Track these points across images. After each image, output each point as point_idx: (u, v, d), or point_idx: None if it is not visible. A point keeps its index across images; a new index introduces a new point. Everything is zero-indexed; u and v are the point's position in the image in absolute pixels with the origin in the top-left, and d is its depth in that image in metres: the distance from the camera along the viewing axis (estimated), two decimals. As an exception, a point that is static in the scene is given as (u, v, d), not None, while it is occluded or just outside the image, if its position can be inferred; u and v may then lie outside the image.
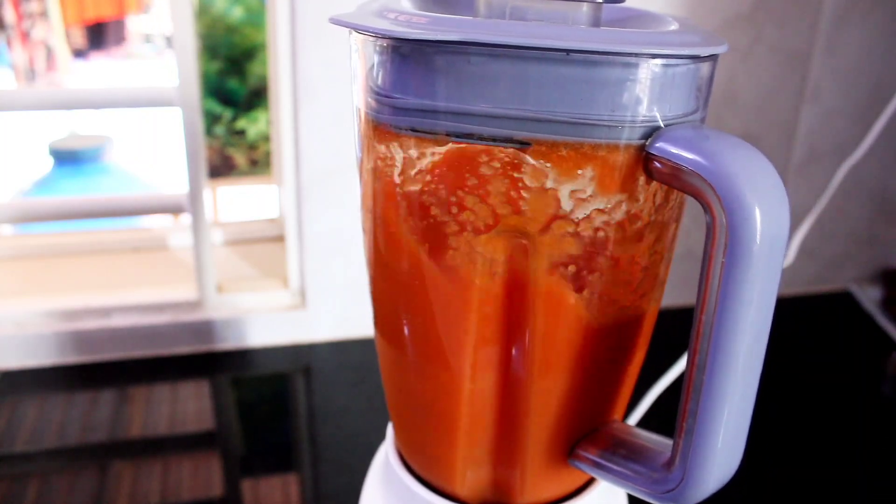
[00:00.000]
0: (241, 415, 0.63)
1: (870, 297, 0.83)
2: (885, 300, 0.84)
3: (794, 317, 0.79)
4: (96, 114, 2.67)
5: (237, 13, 2.12)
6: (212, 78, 2.10)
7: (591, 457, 0.31)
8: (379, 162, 0.27)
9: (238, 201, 2.14)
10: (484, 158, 0.24)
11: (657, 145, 0.24)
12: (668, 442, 0.29)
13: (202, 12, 2.08)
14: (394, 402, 0.34)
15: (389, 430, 0.36)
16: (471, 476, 0.32)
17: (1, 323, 0.66)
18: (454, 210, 0.26)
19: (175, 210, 0.71)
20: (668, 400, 0.39)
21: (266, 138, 2.11)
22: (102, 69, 3.53)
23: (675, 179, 0.24)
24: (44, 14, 2.93)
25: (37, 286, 0.74)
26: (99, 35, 3.58)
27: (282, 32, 0.63)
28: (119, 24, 3.63)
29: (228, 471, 0.55)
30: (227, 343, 0.70)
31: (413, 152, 0.25)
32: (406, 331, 0.30)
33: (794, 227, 0.44)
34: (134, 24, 3.64)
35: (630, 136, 0.24)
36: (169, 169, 2.46)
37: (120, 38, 3.64)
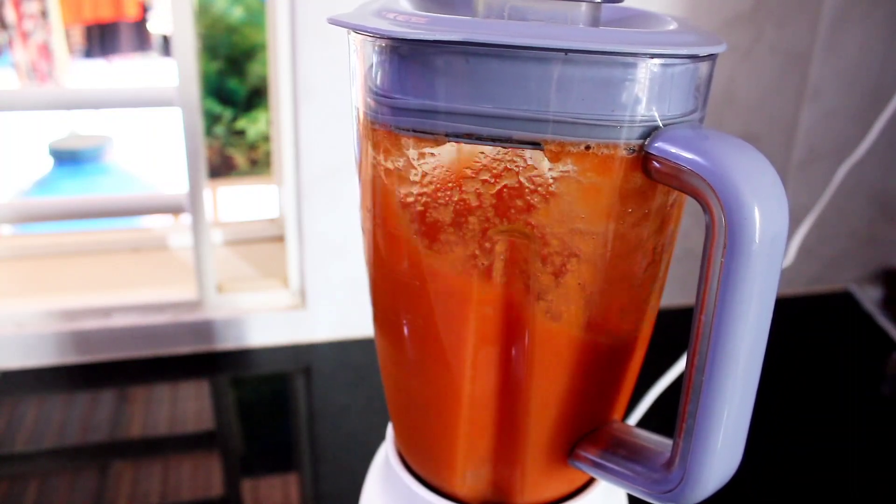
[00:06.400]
0: (241, 415, 0.63)
1: (870, 297, 0.83)
2: (885, 300, 0.84)
3: (794, 317, 0.79)
4: (96, 114, 2.67)
5: (237, 13, 2.12)
6: (212, 78, 2.10)
7: (591, 457, 0.31)
8: (378, 162, 0.27)
9: (238, 201, 2.14)
10: (483, 158, 0.24)
11: (656, 145, 0.24)
12: (668, 442, 0.29)
13: (202, 12, 2.08)
14: (394, 402, 0.34)
15: (389, 430, 0.36)
16: (471, 476, 0.32)
17: (1, 323, 0.66)
18: (454, 210, 0.26)
19: (175, 210, 0.71)
20: (668, 400, 0.39)
21: (266, 138, 2.11)
22: (113, 71, 3.54)
23: (674, 179, 0.24)
24: (44, 14, 2.93)
25: (37, 286, 0.74)
26: (108, 37, 3.58)
27: (282, 32, 0.63)
28: (131, 26, 3.63)
29: (228, 471, 0.55)
30: (227, 343, 0.70)
31: (412, 152, 0.25)
32: (406, 331, 0.30)
33: (794, 227, 0.44)
34: (145, 26, 3.65)
35: (629, 136, 0.24)
36: (169, 169, 2.47)
37: (132, 41, 3.64)
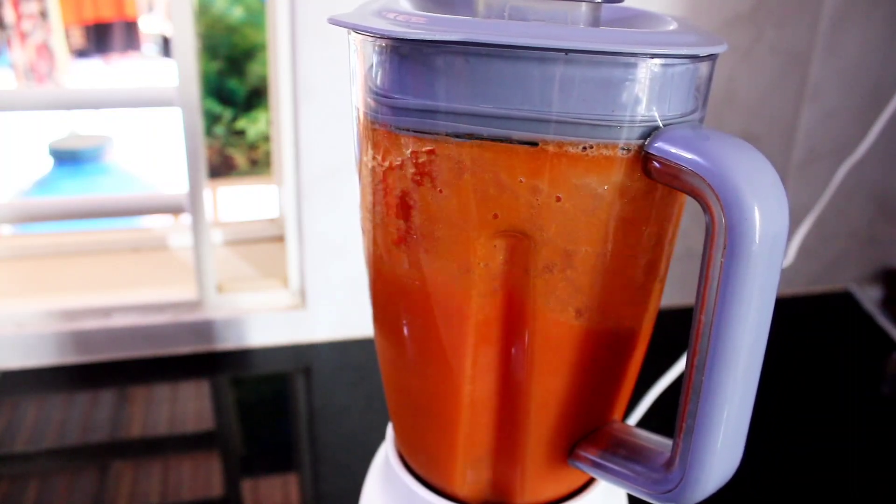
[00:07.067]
0: (241, 415, 0.63)
1: (870, 297, 0.83)
2: (885, 300, 0.84)
3: (794, 317, 0.79)
4: (96, 114, 2.67)
5: (237, 13, 2.12)
6: (212, 78, 2.10)
7: (591, 457, 0.31)
8: (378, 162, 0.27)
9: (238, 201, 2.14)
10: (483, 158, 0.24)
11: (656, 145, 0.24)
12: (668, 442, 0.29)
13: (202, 12, 2.08)
14: (394, 402, 0.34)
15: (389, 430, 0.36)
16: (471, 476, 0.32)
17: (1, 323, 0.66)
18: (454, 210, 0.26)
19: (175, 210, 0.71)
20: (668, 400, 0.39)
21: (266, 138, 2.11)
22: (113, 71, 3.54)
23: (674, 179, 0.24)
24: (43, 14, 2.93)
25: (37, 286, 0.74)
26: (108, 37, 3.58)
27: (282, 32, 0.63)
28: (131, 26, 3.63)
29: (228, 471, 0.55)
30: (227, 343, 0.70)
31: (412, 152, 0.25)
32: (406, 331, 0.30)
33: (794, 227, 0.44)
34: (146, 26, 3.65)
35: (629, 136, 0.24)
36: (169, 169, 2.46)
37: (132, 41, 3.64)
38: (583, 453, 0.31)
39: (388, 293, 0.30)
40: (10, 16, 2.89)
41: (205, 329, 0.69)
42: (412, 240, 0.27)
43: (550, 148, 0.24)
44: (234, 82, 2.13)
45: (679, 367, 0.43)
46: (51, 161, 1.97)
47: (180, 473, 0.55)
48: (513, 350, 0.28)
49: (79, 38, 3.57)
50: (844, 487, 0.56)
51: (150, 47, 3.73)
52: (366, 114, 0.27)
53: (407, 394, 0.32)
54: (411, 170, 0.26)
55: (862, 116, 0.76)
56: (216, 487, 0.54)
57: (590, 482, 0.34)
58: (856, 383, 0.69)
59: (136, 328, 0.68)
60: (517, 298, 0.27)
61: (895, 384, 0.67)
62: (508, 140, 0.24)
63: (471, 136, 0.24)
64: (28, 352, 0.66)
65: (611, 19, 0.31)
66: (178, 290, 0.71)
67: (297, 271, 0.71)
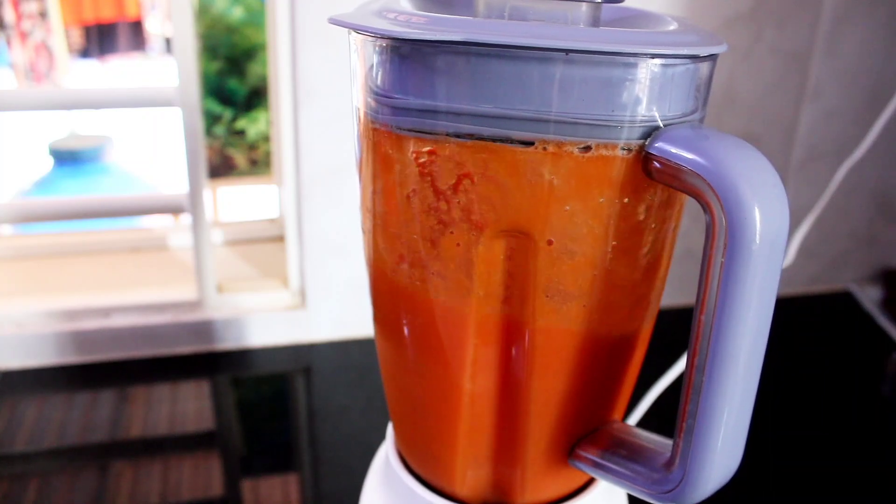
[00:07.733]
0: (241, 415, 0.63)
1: (870, 297, 0.83)
2: (885, 300, 0.84)
3: (794, 317, 0.79)
4: (96, 114, 2.67)
5: (237, 13, 2.12)
6: (212, 78, 2.10)
7: (591, 457, 0.31)
8: (378, 162, 0.27)
9: (238, 201, 2.14)
10: (483, 158, 0.24)
11: (656, 145, 0.24)
12: (668, 442, 0.29)
13: (202, 12, 2.08)
14: (394, 402, 0.34)
15: (389, 430, 0.36)
16: (471, 476, 0.32)
17: (1, 323, 0.66)
18: (454, 210, 0.26)
19: (175, 210, 0.71)
20: (668, 400, 0.39)
21: (266, 138, 2.11)
22: (113, 71, 3.54)
23: (675, 179, 0.24)
24: (43, 14, 2.93)
25: (37, 286, 0.74)
26: (108, 37, 3.58)
27: (282, 32, 0.63)
28: (131, 27, 3.64)
29: (228, 471, 0.55)
30: (227, 343, 0.70)
31: (412, 152, 0.25)
32: (406, 331, 0.30)
33: (794, 227, 0.44)
34: (147, 26, 3.65)
35: (629, 136, 0.24)
36: (169, 169, 2.46)
37: (132, 41, 3.65)
38: (583, 453, 0.31)
39: (388, 293, 0.30)
40: (9, 15, 2.89)
41: (205, 329, 0.69)
42: (412, 240, 0.27)
43: (550, 148, 0.24)
44: (234, 82, 2.13)
45: (679, 367, 0.43)
46: (51, 161, 1.97)
47: (180, 473, 0.55)
48: (513, 350, 0.28)
49: (78, 38, 3.57)
50: (844, 487, 0.56)
51: (150, 47, 3.73)
52: (366, 114, 0.27)
53: (407, 394, 0.32)
54: (411, 169, 0.26)
55: (862, 116, 0.76)
56: (216, 487, 0.54)
57: (590, 482, 0.34)
58: (856, 383, 0.69)
59: (136, 328, 0.68)
60: (517, 298, 0.27)
61: (895, 384, 0.67)
62: (509, 140, 0.24)
63: (471, 136, 0.24)
64: (28, 352, 0.66)
65: (611, 19, 0.31)
66: (178, 290, 0.71)
67: (297, 271, 0.71)
